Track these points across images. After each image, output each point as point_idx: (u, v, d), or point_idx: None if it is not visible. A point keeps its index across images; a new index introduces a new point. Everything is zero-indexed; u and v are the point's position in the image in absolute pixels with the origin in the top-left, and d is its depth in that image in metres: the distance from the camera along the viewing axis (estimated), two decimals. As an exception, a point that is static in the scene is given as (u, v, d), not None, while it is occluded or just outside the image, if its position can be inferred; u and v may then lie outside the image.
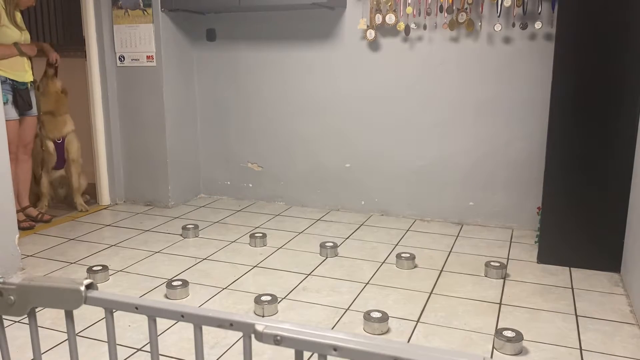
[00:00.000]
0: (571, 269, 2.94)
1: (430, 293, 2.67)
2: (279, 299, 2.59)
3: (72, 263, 3.08)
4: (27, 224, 3.64)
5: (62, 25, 5.11)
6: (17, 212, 3.66)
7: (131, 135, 4.19)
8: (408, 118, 3.77)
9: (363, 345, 0.81)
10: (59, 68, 3.91)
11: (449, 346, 2.18)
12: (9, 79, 3.40)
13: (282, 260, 3.11)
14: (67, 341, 1.08)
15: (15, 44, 3.44)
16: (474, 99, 3.60)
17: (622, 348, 2.16)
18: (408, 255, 3.00)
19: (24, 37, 3.52)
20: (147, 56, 3.99)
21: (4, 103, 3.35)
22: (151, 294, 2.68)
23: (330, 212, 4.06)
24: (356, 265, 3.03)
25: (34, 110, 3.67)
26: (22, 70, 3.49)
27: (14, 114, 3.45)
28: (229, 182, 4.43)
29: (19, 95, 3.49)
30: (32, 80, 3.60)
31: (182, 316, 0.96)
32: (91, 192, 4.49)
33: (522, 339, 2.15)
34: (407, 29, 3.61)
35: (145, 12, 3.92)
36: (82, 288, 0.99)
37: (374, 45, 3.77)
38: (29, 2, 3.56)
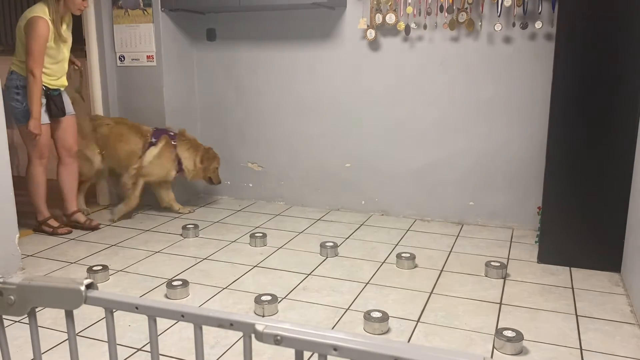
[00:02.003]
0: (571, 268, 2.94)
1: (431, 293, 2.67)
2: (279, 299, 2.59)
3: (72, 263, 3.08)
4: (65, 229, 3.55)
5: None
6: (65, 216, 3.62)
7: (131, 135, 4.18)
8: (408, 118, 3.77)
9: (363, 345, 0.81)
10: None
11: (449, 346, 2.18)
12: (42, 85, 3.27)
13: (282, 260, 3.11)
14: (67, 341, 1.08)
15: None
16: (474, 99, 3.60)
17: (622, 348, 2.16)
18: (408, 255, 3.00)
19: (66, 50, 3.41)
20: (147, 56, 3.99)
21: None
22: (151, 294, 2.68)
23: (330, 212, 4.06)
24: (356, 265, 3.03)
25: (70, 110, 3.54)
26: (56, 77, 3.38)
27: (46, 118, 3.34)
28: (229, 182, 4.43)
29: (52, 102, 3.36)
30: (65, 85, 3.46)
31: (182, 316, 0.96)
32: (91, 192, 4.48)
33: (523, 339, 2.15)
34: (408, 29, 3.61)
35: (145, 12, 3.92)
36: (82, 288, 0.99)
37: (374, 45, 3.77)
38: (81, 5, 3.33)
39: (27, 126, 3.24)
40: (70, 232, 3.55)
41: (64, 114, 3.48)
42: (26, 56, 3.18)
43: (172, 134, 3.87)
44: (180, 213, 4.03)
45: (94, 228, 3.64)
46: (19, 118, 3.29)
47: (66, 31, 3.38)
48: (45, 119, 3.35)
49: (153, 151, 3.79)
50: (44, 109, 3.32)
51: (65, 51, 3.41)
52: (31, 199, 3.50)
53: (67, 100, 3.51)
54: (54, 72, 3.34)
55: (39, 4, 3.23)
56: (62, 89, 3.45)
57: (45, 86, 3.30)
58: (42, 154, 3.39)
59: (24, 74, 3.24)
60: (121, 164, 3.84)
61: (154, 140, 3.81)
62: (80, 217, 3.66)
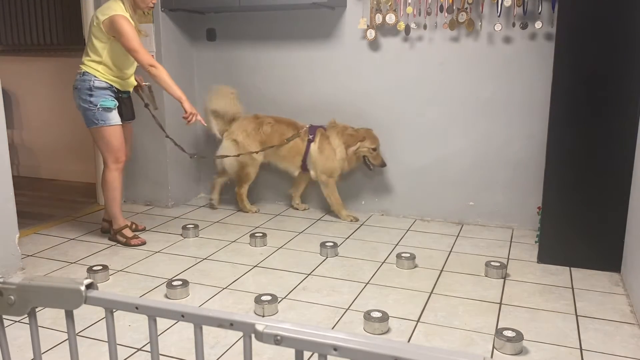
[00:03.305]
0: (571, 268, 2.94)
1: (431, 293, 2.67)
2: (279, 299, 2.59)
3: (72, 263, 3.08)
4: (139, 240, 3.35)
5: (62, 25, 5.12)
6: (107, 221, 3.50)
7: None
8: (408, 118, 3.77)
9: (363, 345, 0.81)
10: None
11: (449, 346, 2.18)
12: (113, 86, 3.20)
13: (283, 260, 3.11)
14: (67, 341, 1.08)
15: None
16: (474, 99, 3.60)
17: (622, 348, 2.16)
18: (408, 255, 3.00)
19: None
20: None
21: (112, 108, 3.16)
22: (151, 294, 2.68)
23: (330, 212, 4.05)
24: (356, 265, 3.03)
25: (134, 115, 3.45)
26: (127, 76, 3.28)
27: (119, 118, 3.22)
28: (229, 182, 4.43)
29: (123, 104, 3.28)
30: (134, 84, 3.37)
31: (182, 316, 0.96)
32: (91, 192, 4.49)
33: (522, 339, 2.15)
34: (408, 29, 3.61)
35: (145, 12, 3.92)
36: (82, 288, 0.99)
37: (374, 45, 3.77)
38: (150, 2, 3.20)
39: (101, 128, 3.14)
40: (144, 244, 3.35)
41: (134, 116, 3.41)
42: (134, 55, 3.09)
43: (325, 127, 3.85)
44: (345, 220, 3.85)
45: (141, 230, 3.61)
46: (92, 120, 3.15)
47: (136, 28, 3.25)
48: (119, 119, 3.22)
49: (314, 148, 3.81)
50: (115, 110, 3.21)
51: None
52: (107, 206, 3.38)
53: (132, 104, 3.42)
54: (124, 72, 3.24)
55: (114, 1, 3.12)
56: (130, 90, 3.36)
57: (116, 88, 3.22)
58: (118, 157, 3.24)
59: (100, 76, 3.14)
60: (283, 161, 3.91)
61: (311, 137, 3.81)
62: (128, 233, 3.48)
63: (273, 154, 3.91)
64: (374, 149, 3.71)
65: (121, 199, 3.38)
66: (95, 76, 3.14)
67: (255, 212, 4.05)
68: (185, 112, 3.26)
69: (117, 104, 3.22)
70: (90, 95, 3.13)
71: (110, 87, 3.18)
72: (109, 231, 3.49)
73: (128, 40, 3.05)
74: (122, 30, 3.04)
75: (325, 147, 3.79)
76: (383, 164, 3.75)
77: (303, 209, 4.09)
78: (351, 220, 3.82)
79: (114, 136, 3.20)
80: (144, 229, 3.65)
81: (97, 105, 3.13)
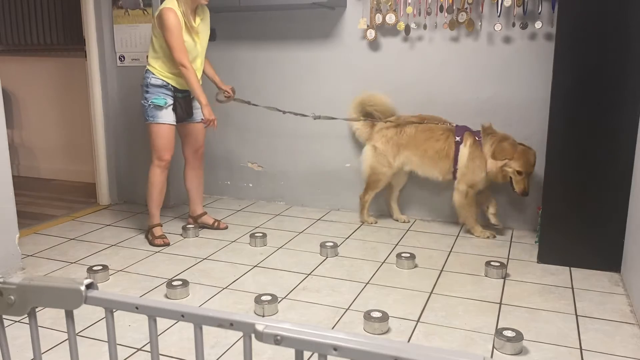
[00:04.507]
0: (571, 268, 2.94)
1: (431, 293, 2.67)
2: (279, 299, 2.59)
3: (72, 263, 3.08)
4: (160, 241, 3.33)
5: (62, 25, 5.12)
6: (191, 217, 3.68)
7: (131, 135, 4.19)
8: (408, 118, 3.77)
9: (363, 345, 0.81)
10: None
11: (449, 346, 2.18)
12: (170, 84, 3.22)
13: (282, 260, 3.11)
14: (67, 341, 1.08)
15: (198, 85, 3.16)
16: (474, 99, 3.60)
17: (622, 348, 2.16)
18: (408, 255, 3.00)
19: (199, 46, 3.27)
20: (147, 56, 3.98)
21: (162, 106, 3.18)
22: (151, 294, 2.68)
23: (330, 212, 4.05)
24: (356, 265, 3.03)
25: (199, 116, 3.39)
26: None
27: (170, 118, 3.23)
28: (229, 182, 4.43)
29: (178, 103, 3.26)
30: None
31: (182, 316, 0.96)
32: (91, 192, 4.49)
33: (522, 339, 2.15)
34: (408, 29, 3.61)
35: (145, 12, 3.92)
36: (82, 288, 0.99)
37: (374, 45, 3.77)
38: None
39: (150, 124, 3.22)
40: (167, 246, 3.32)
41: (190, 116, 3.38)
42: (170, 51, 3.09)
43: (474, 130, 3.44)
44: (403, 222, 3.76)
45: (223, 229, 3.65)
46: (145, 116, 3.24)
47: (201, 25, 3.25)
48: (169, 119, 3.23)
49: (464, 153, 3.39)
50: (170, 108, 3.24)
51: (199, 47, 3.28)
52: (146, 201, 3.45)
53: (197, 105, 3.37)
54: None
55: None
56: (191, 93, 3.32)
57: (173, 86, 3.23)
58: (161, 155, 3.26)
59: (157, 73, 3.19)
60: (426, 166, 3.54)
61: (458, 138, 3.41)
62: (208, 219, 3.65)
63: (415, 161, 3.55)
64: (519, 172, 3.24)
65: (161, 199, 3.40)
66: (153, 73, 3.21)
67: (373, 223, 3.75)
68: (204, 116, 3.23)
69: (169, 103, 3.23)
70: (147, 92, 3.22)
71: (166, 85, 3.22)
72: (199, 224, 3.64)
73: (168, 34, 3.07)
74: (166, 24, 3.06)
75: (477, 156, 3.36)
76: (523, 193, 3.27)
77: (404, 221, 3.76)
78: (488, 237, 3.44)
79: (160, 135, 3.24)
80: (225, 227, 3.67)
81: (149, 102, 3.20)
